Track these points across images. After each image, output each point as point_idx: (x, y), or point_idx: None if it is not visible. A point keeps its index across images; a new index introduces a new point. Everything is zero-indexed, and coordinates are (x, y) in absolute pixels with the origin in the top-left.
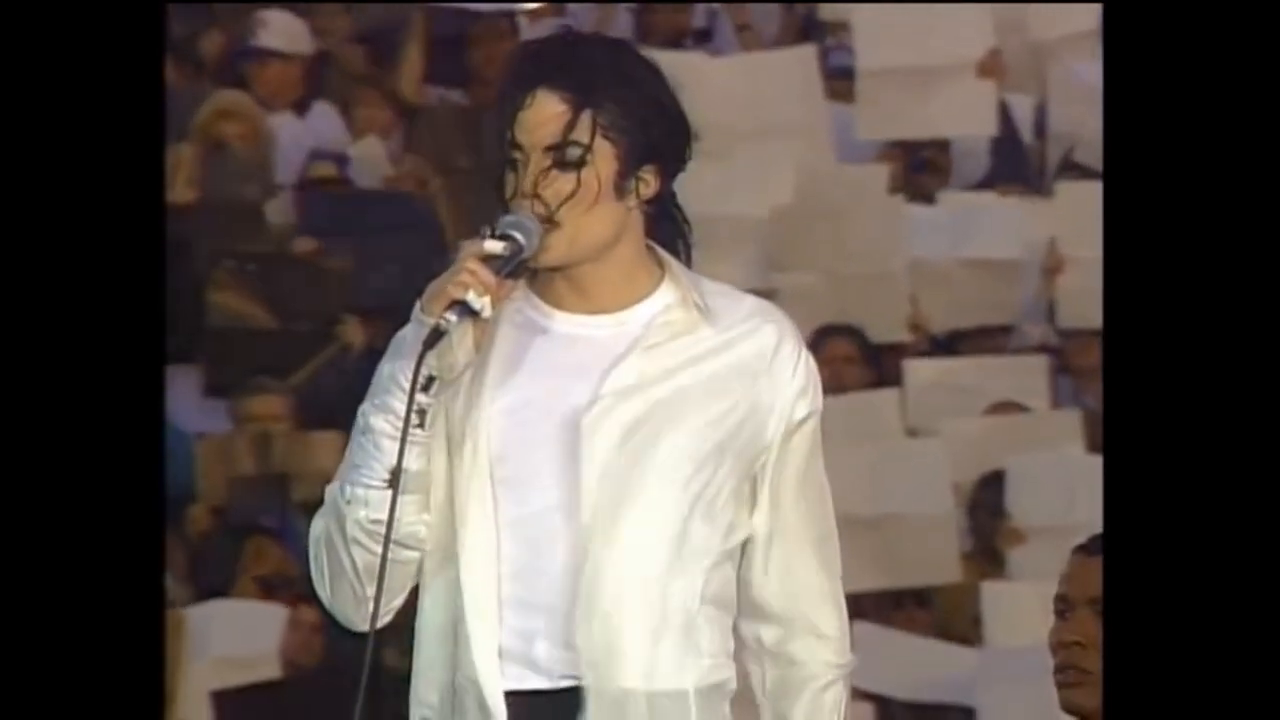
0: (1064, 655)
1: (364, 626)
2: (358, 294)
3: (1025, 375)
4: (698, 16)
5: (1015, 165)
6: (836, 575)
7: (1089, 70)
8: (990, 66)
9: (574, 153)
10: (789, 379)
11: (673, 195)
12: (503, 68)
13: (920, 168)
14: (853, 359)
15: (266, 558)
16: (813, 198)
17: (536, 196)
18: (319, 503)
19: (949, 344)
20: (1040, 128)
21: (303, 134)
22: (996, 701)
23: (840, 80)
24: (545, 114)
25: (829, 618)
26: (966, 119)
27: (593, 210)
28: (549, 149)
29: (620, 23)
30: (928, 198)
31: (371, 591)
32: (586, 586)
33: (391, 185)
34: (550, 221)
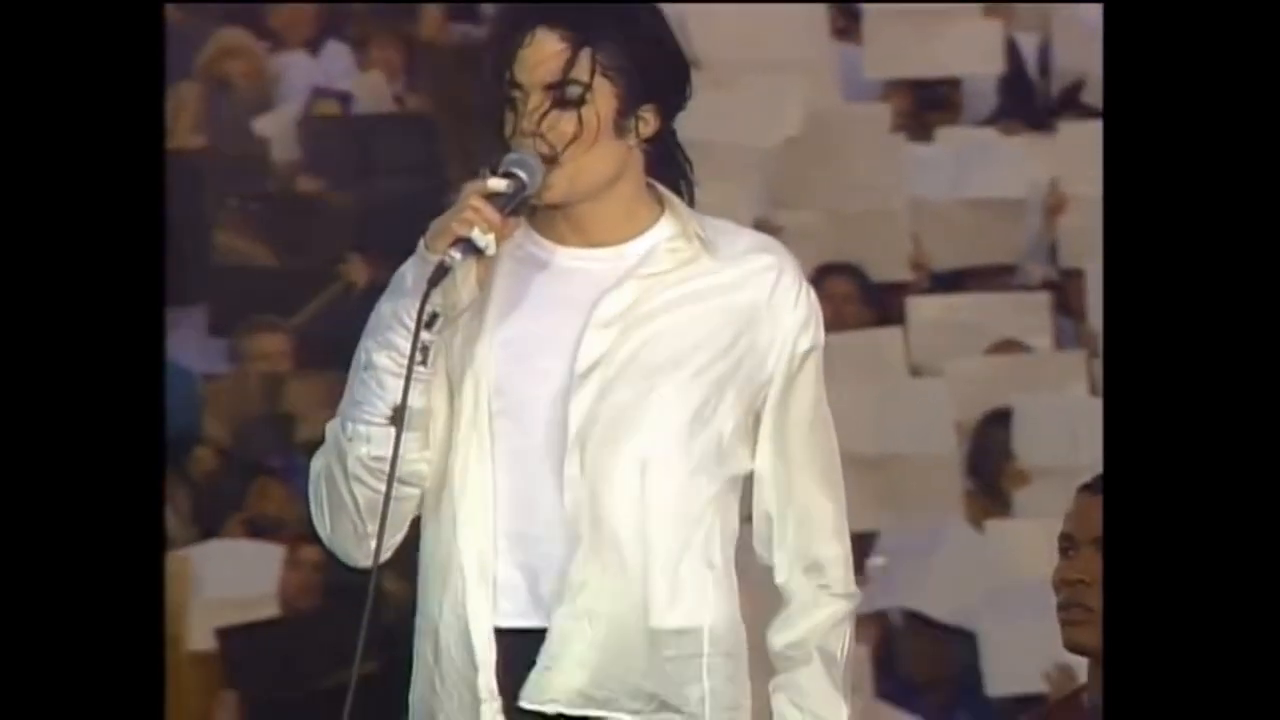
0: (1068, 593)
1: (364, 562)
2: (361, 232)
3: (1028, 312)
4: None
5: (1023, 103)
6: (842, 509)
7: (1092, 10)
8: (997, 6)
9: (573, 91)
10: (790, 310)
11: (673, 134)
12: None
13: (932, 105)
14: (852, 297)
15: (272, 498)
16: (816, 134)
17: (538, 135)
18: (321, 442)
19: (950, 282)
20: (1045, 67)
21: (313, 72)
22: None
23: (847, 19)
24: (544, 52)
25: (835, 551)
26: (974, 57)
27: (593, 149)
28: (548, 87)
29: None
30: (930, 136)
31: (372, 528)
32: (583, 522)
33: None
34: (552, 160)
